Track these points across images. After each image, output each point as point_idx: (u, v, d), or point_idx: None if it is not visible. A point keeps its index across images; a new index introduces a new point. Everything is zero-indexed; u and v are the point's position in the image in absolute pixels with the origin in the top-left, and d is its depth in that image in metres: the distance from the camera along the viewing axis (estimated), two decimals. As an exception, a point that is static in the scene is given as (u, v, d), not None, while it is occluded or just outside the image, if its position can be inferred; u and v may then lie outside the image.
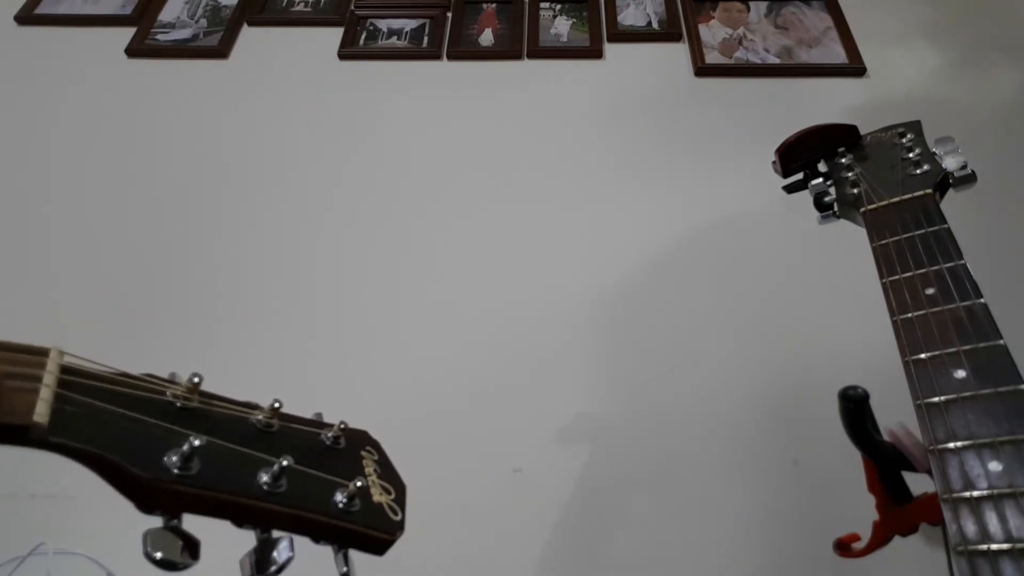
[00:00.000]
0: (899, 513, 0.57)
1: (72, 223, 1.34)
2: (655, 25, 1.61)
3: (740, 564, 0.99)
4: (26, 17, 1.65)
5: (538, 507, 1.03)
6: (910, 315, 0.56)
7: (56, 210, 1.35)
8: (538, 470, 1.06)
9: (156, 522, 0.38)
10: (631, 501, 1.04)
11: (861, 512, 0.59)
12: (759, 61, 1.54)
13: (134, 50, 1.59)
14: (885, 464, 0.56)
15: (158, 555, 0.37)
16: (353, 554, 0.45)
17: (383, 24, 1.64)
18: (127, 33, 1.61)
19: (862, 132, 0.79)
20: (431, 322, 1.20)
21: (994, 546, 0.42)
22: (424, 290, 1.24)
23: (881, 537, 0.59)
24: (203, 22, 1.64)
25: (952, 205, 0.68)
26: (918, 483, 0.55)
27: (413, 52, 1.58)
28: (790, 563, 0.99)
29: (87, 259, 1.29)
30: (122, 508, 0.39)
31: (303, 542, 0.43)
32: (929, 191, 0.67)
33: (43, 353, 0.37)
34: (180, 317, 1.22)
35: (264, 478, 0.41)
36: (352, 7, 1.66)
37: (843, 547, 0.62)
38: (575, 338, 1.18)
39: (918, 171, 0.70)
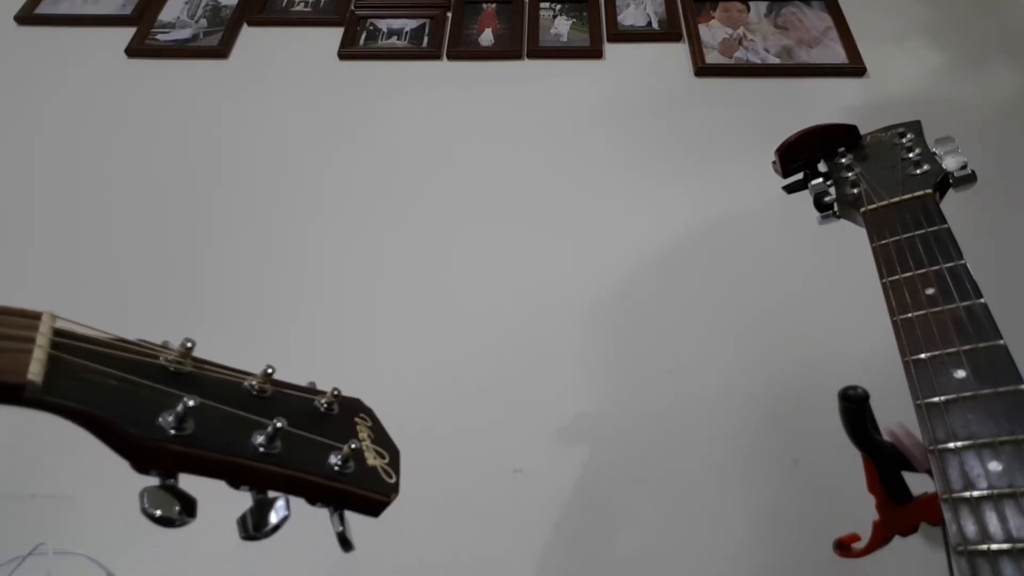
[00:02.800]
0: (899, 513, 0.57)
1: (72, 223, 1.33)
2: (655, 25, 1.61)
3: (740, 564, 0.99)
4: (26, 17, 1.65)
5: (538, 507, 1.03)
6: (910, 315, 0.56)
7: (56, 209, 1.35)
8: (538, 470, 1.06)
9: (153, 483, 0.38)
10: (631, 501, 1.04)
11: (861, 512, 0.59)
12: (759, 61, 1.54)
13: (134, 50, 1.59)
14: (885, 464, 0.56)
15: (157, 512, 0.37)
16: (351, 518, 0.45)
17: (383, 24, 1.64)
18: (127, 33, 1.61)
19: (862, 132, 0.79)
20: (430, 322, 1.20)
21: (994, 546, 0.41)
22: (424, 290, 1.24)
23: (881, 537, 0.59)
24: (203, 22, 1.64)
25: (952, 205, 0.68)
26: (918, 483, 0.55)
27: (413, 52, 1.58)
28: (790, 563, 0.99)
29: (88, 259, 1.29)
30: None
31: (300, 505, 0.43)
32: (929, 191, 0.67)
33: (35, 316, 0.37)
34: (178, 316, 1.22)
35: (259, 439, 0.41)
36: (352, 7, 1.66)
37: (843, 547, 0.62)
38: (575, 338, 1.18)
39: (918, 171, 0.69)
